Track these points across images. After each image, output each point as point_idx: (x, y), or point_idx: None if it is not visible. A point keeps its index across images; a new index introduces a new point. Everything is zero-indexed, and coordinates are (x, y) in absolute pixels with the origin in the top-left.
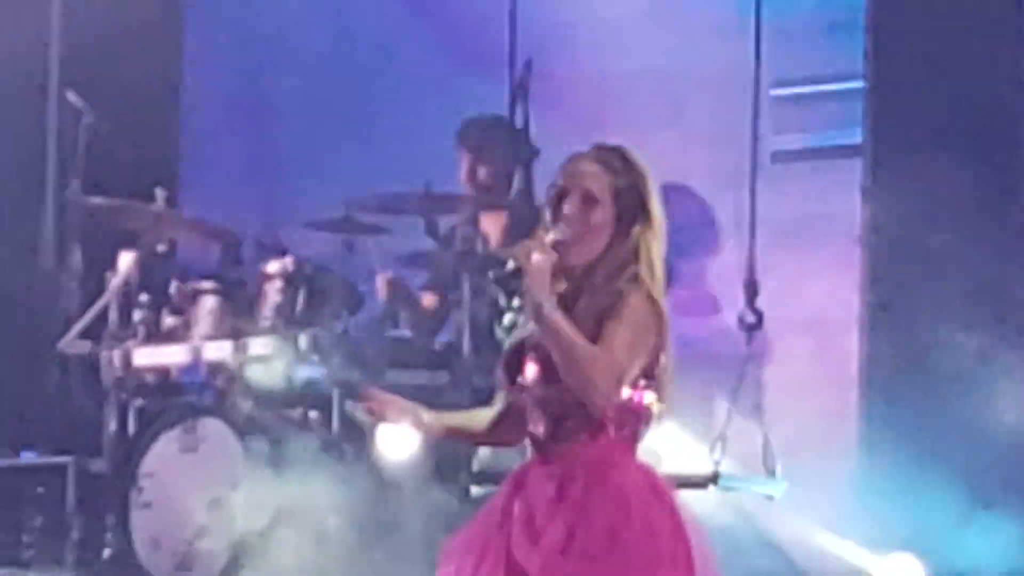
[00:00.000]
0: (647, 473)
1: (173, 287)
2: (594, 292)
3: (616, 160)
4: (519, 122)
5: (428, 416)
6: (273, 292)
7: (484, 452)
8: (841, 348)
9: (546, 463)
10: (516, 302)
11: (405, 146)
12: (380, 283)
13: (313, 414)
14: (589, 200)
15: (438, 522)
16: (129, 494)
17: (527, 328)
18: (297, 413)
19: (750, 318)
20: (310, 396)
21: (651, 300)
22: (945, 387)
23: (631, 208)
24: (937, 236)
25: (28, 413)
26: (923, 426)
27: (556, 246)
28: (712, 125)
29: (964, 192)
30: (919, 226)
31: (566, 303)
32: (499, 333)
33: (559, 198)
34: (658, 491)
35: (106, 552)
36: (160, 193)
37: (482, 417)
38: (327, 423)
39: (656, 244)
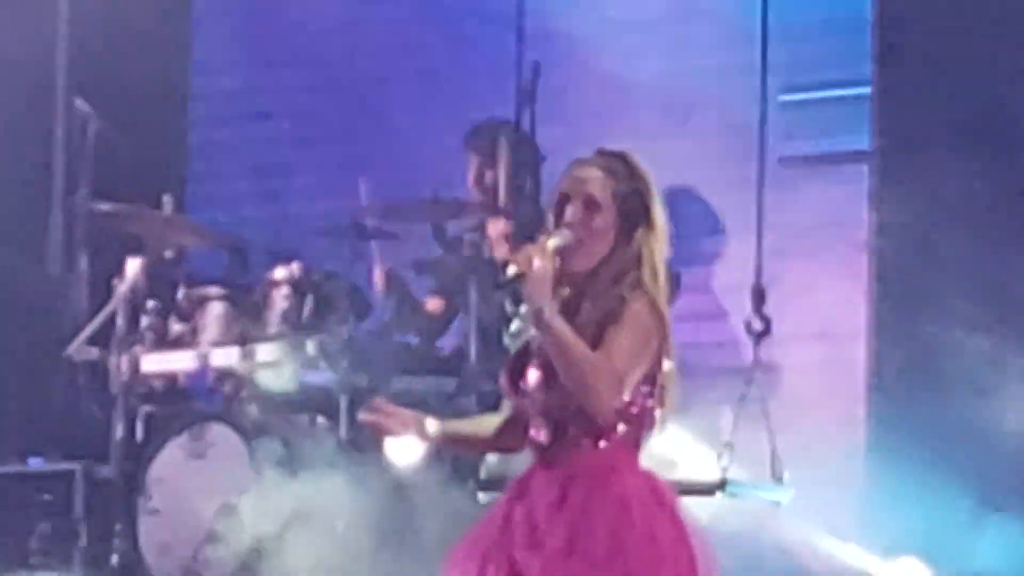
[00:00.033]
0: (649, 478)
1: (180, 293)
2: (596, 297)
3: (619, 165)
4: (526, 128)
5: (433, 426)
6: (280, 298)
7: (492, 458)
8: (849, 353)
9: (548, 469)
10: (523, 308)
11: (412, 152)
12: (377, 275)
13: (321, 420)
14: (592, 205)
15: (453, 525)
16: (137, 500)
17: (531, 333)
18: (304, 419)
19: (757, 325)
20: (317, 402)
21: (653, 305)
22: (953, 391)
23: (634, 213)
24: (945, 241)
25: (36, 419)
26: (931, 430)
27: (558, 251)
28: (719, 131)
29: (973, 197)
30: (927, 231)
31: (569, 308)
32: (507, 339)
33: (562, 203)
34: (660, 496)
35: (114, 558)
36: (167, 199)
37: (488, 424)
38: (335, 429)
39: (659, 249)
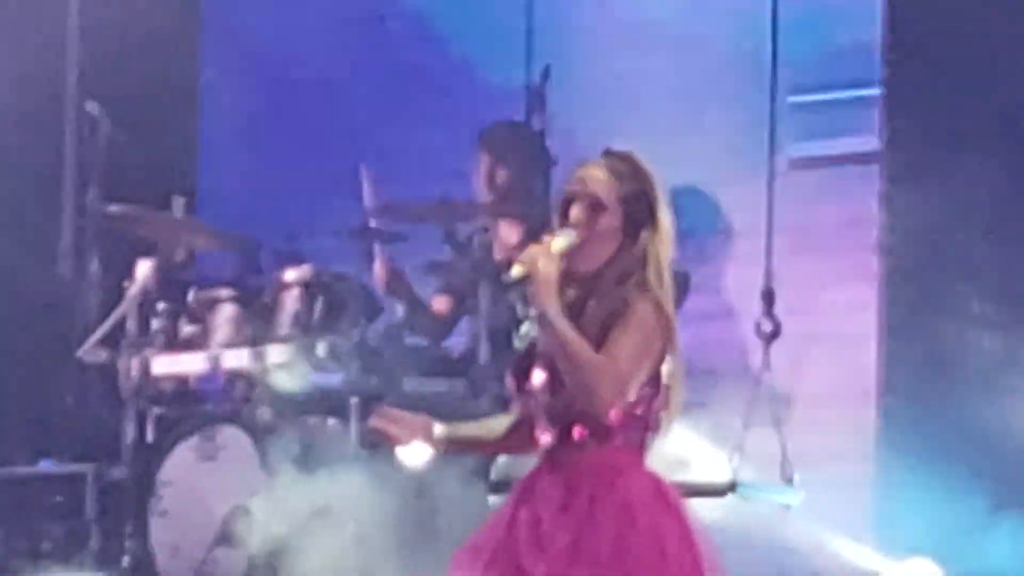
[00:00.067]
0: (654, 480)
1: (191, 295)
2: (601, 298)
3: (624, 166)
4: (536, 129)
5: (440, 430)
6: (291, 300)
7: (502, 459)
8: (859, 354)
9: (553, 470)
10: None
11: (422, 153)
12: (378, 275)
13: (332, 421)
14: (597, 206)
15: (468, 524)
16: (148, 502)
17: (536, 334)
18: (315, 421)
19: (767, 327)
20: (328, 403)
21: (658, 306)
22: (965, 391)
23: (639, 214)
24: (957, 241)
25: (47, 422)
26: (943, 431)
27: (563, 252)
28: (729, 132)
29: (983, 197)
30: (938, 232)
31: (574, 309)
32: (516, 342)
33: (567, 204)
34: (665, 498)
35: (125, 560)
36: (178, 201)
37: (496, 426)
38: (346, 430)
39: (664, 250)
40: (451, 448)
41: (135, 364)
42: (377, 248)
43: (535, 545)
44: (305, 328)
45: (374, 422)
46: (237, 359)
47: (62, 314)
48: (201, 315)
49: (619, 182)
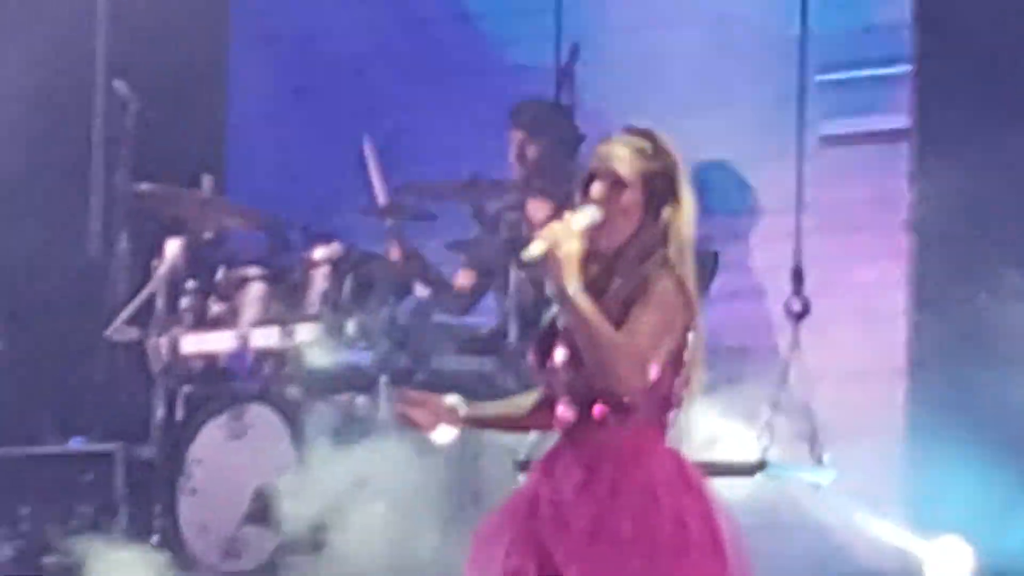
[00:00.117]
0: (676, 459)
1: (220, 274)
2: (623, 276)
3: (646, 143)
4: (565, 106)
5: (464, 410)
6: (320, 278)
7: (532, 438)
8: (889, 333)
9: (575, 448)
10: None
11: (452, 132)
12: (392, 250)
13: (360, 399)
14: (618, 183)
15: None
16: (177, 480)
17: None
18: (344, 399)
19: (797, 306)
20: (357, 382)
21: (680, 284)
22: (994, 368)
23: (661, 191)
24: (986, 218)
25: (76, 400)
26: (973, 408)
27: (585, 229)
28: (758, 110)
29: (1012, 174)
30: (968, 209)
31: (596, 287)
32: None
33: (589, 182)
34: (687, 477)
35: (154, 538)
36: (207, 180)
37: (521, 403)
38: (374, 408)
39: (686, 228)
40: (476, 427)
41: (164, 343)
42: (394, 235)
43: (557, 523)
44: (334, 306)
45: (397, 408)
46: (266, 338)
47: (91, 293)
48: (230, 294)
49: (641, 159)
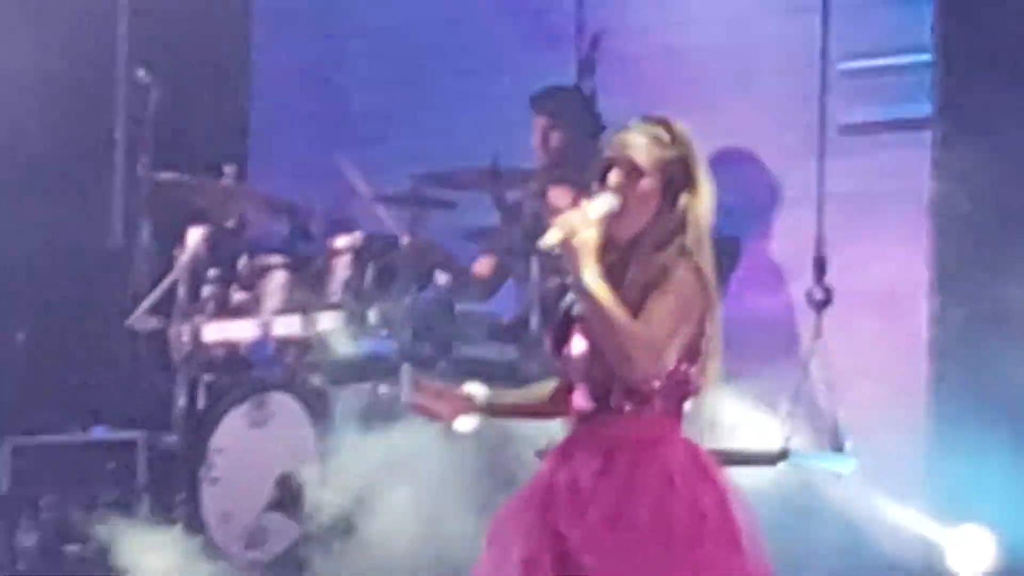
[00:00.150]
0: (692, 447)
1: (242, 262)
2: (641, 264)
3: (662, 131)
4: (588, 95)
5: (482, 399)
6: (342, 267)
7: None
8: (911, 321)
9: (592, 436)
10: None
11: (472, 121)
12: (406, 240)
13: (383, 388)
14: (635, 171)
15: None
16: (199, 469)
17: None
18: (366, 387)
19: (819, 295)
20: (379, 370)
21: (698, 272)
22: (1017, 355)
23: (678, 179)
24: (1007, 207)
25: (98, 389)
26: (995, 395)
27: (602, 217)
28: (780, 99)
29: None
30: (989, 198)
31: (613, 275)
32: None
33: (606, 169)
34: (703, 466)
35: (176, 527)
36: (229, 168)
37: (540, 391)
38: (396, 397)
39: (704, 215)
40: (495, 415)
41: (186, 331)
42: (405, 219)
43: (573, 511)
44: (356, 295)
45: (415, 399)
46: (288, 326)
47: (114, 282)
48: (252, 282)
49: (658, 147)
